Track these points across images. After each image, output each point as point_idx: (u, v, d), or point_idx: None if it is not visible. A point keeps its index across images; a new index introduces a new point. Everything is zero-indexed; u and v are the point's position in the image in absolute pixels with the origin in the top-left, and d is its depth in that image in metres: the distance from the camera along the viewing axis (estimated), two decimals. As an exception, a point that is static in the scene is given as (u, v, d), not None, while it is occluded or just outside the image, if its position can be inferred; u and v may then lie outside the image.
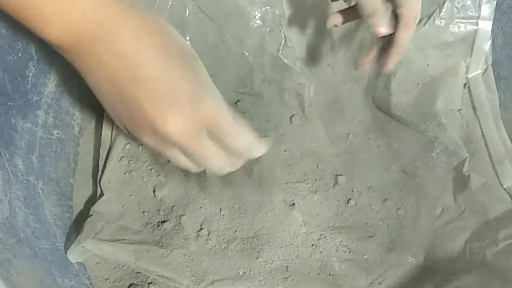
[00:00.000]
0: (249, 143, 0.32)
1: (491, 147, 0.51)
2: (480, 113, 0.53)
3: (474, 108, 0.54)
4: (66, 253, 0.45)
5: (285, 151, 0.54)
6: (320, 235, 0.48)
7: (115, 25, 0.27)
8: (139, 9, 0.28)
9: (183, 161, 0.33)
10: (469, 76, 0.54)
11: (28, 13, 0.26)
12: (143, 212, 0.49)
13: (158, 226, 0.48)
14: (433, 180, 0.52)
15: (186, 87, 0.28)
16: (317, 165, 0.53)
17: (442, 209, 0.51)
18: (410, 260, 0.49)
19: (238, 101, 0.57)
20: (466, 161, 0.50)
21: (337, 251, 0.48)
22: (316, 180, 0.52)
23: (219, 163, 0.33)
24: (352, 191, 0.52)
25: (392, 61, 0.41)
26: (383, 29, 0.38)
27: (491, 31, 0.52)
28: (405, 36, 0.39)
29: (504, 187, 0.50)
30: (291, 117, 0.56)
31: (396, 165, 0.53)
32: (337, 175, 0.52)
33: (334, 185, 0.52)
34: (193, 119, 0.28)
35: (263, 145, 0.34)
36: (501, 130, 0.52)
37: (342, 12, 0.44)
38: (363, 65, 0.45)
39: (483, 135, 0.52)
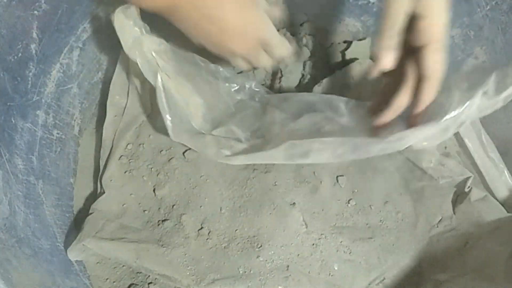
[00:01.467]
0: (287, 53, 0.47)
1: (482, 169, 0.52)
2: (467, 140, 0.53)
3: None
4: (66, 252, 0.45)
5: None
6: (321, 234, 0.48)
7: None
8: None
9: (242, 64, 0.46)
10: None
11: None
12: (144, 211, 0.49)
13: (158, 224, 0.48)
14: (434, 189, 0.53)
15: (252, 25, 0.42)
16: (318, 164, 0.53)
17: (441, 219, 0.52)
18: (408, 263, 0.49)
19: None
20: (469, 179, 0.52)
21: (337, 251, 0.48)
22: (316, 180, 0.52)
23: (267, 63, 0.47)
24: (353, 192, 0.52)
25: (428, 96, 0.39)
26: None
27: (492, 31, 0.52)
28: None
29: (499, 200, 0.52)
30: None
31: (398, 169, 0.54)
32: (338, 176, 0.52)
33: (334, 185, 0.52)
34: (256, 43, 0.44)
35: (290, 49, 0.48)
36: (488, 150, 0.53)
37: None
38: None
39: (474, 162, 0.53)
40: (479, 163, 0.52)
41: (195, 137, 0.47)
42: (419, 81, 0.38)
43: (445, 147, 0.54)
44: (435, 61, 0.37)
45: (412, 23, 0.36)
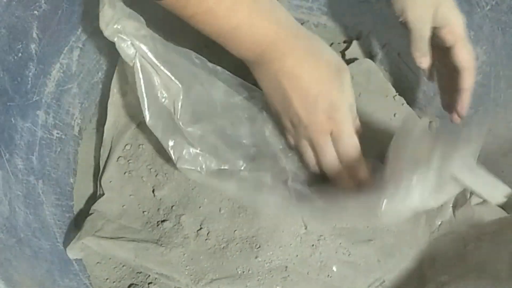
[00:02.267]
0: (354, 157, 0.43)
1: (473, 188, 0.52)
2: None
3: None
4: (66, 251, 0.45)
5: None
6: (320, 236, 0.48)
7: (286, 49, 0.39)
8: (304, 35, 0.41)
9: (308, 154, 0.45)
10: None
11: (227, 36, 0.39)
12: (143, 212, 0.49)
13: (157, 225, 0.48)
14: None
15: (328, 97, 0.40)
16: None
17: (441, 222, 0.52)
18: (408, 266, 0.49)
19: None
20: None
21: (336, 252, 0.48)
22: (316, 180, 0.52)
23: (332, 163, 0.44)
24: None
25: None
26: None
27: (492, 31, 0.52)
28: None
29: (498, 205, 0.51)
30: None
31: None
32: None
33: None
34: (325, 121, 0.41)
35: (364, 171, 0.45)
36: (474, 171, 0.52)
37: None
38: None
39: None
40: (470, 186, 0.52)
41: (167, 133, 0.45)
42: (457, 75, 0.46)
43: None
44: (466, 54, 0.45)
45: (435, 31, 0.45)
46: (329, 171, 0.45)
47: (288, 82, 0.40)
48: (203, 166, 0.46)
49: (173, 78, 0.45)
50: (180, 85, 0.45)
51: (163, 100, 0.45)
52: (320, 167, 0.45)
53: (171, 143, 0.45)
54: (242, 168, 0.48)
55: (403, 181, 0.39)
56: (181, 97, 0.45)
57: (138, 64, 0.43)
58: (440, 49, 0.46)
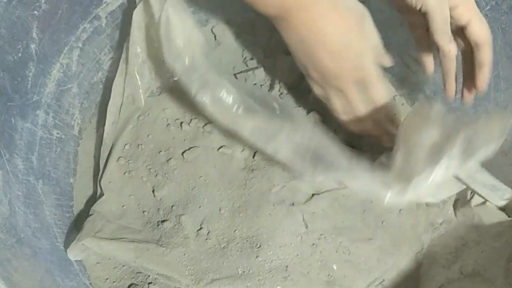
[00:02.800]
0: (383, 99, 0.45)
1: (475, 190, 0.52)
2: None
3: None
4: (66, 251, 0.45)
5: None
6: (320, 235, 0.48)
7: (309, 5, 0.40)
8: None
9: (336, 102, 0.45)
10: None
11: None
12: (143, 212, 0.49)
13: (158, 225, 0.48)
14: None
15: (353, 48, 0.42)
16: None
17: (442, 222, 0.52)
18: (407, 265, 0.49)
19: None
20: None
21: (336, 251, 0.48)
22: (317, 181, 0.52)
23: (360, 111, 0.45)
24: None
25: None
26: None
27: (492, 31, 0.52)
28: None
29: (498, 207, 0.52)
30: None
31: None
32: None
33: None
34: (352, 70, 0.42)
35: (392, 116, 0.47)
36: (475, 175, 0.52)
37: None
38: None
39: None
40: (471, 187, 0.52)
41: (186, 71, 0.47)
42: (475, 51, 0.46)
43: None
44: (484, 28, 0.45)
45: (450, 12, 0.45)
46: (356, 119, 0.47)
47: (312, 34, 0.41)
48: (222, 102, 0.46)
49: (197, 29, 0.48)
50: (203, 38, 0.49)
51: (184, 47, 0.47)
52: (348, 115, 0.47)
53: (192, 77, 0.47)
54: (259, 112, 0.47)
55: (418, 174, 0.39)
56: (201, 46, 0.49)
57: (165, 15, 0.46)
58: (454, 32, 0.46)
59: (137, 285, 0.46)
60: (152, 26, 0.50)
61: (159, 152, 0.52)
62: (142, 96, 0.54)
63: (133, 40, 0.52)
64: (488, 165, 0.53)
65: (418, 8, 0.44)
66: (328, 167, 0.44)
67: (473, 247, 0.49)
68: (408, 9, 0.44)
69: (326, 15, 0.40)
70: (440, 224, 0.52)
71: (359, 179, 0.43)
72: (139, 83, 0.53)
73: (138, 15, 0.50)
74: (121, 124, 0.53)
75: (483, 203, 0.52)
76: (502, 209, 0.52)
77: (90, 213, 0.48)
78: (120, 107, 0.53)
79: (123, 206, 0.49)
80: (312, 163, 0.44)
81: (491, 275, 0.46)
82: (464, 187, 0.52)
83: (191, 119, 0.54)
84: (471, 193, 0.52)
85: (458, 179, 0.52)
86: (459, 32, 0.46)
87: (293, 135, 0.44)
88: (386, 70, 0.60)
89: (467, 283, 0.46)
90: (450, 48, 0.45)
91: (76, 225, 0.50)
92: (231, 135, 0.52)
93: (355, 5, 0.42)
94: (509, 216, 0.51)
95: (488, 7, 0.51)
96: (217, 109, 0.46)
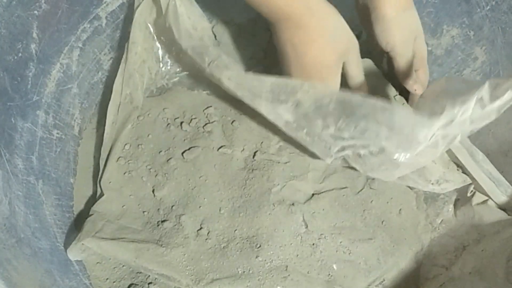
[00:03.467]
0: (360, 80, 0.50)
1: (479, 181, 0.52)
2: (459, 156, 0.53)
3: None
4: (66, 251, 0.45)
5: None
6: (320, 234, 0.48)
7: (299, 23, 0.43)
8: (323, 13, 0.44)
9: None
10: None
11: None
12: (143, 212, 0.49)
13: (158, 225, 0.48)
14: (436, 194, 0.53)
15: (321, 79, 0.45)
16: (318, 164, 0.53)
17: (442, 221, 0.52)
18: (407, 265, 0.49)
19: None
20: (471, 186, 0.52)
21: (336, 251, 0.48)
22: (316, 180, 0.52)
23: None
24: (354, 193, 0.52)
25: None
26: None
27: (492, 31, 0.52)
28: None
29: (499, 205, 0.52)
30: None
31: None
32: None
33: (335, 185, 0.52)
34: (340, 53, 0.45)
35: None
36: (481, 162, 0.52)
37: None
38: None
39: (472, 176, 0.53)
40: (475, 177, 0.52)
41: (198, 45, 0.49)
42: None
43: (446, 158, 0.54)
44: (425, 77, 0.51)
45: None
46: None
47: (292, 54, 0.44)
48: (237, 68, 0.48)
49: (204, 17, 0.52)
50: (209, 25, 0.53)
51: (193, 30, 0.51)
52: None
53: (204, 50, 0.48)
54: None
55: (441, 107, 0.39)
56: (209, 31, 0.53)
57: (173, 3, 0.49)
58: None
59: (137, 285, 0.46)
60: (159, 17, 0.51)
61: (159, 152, 0.52)
62: (141, 96, 0.54)
63: (134, 40, 0.52)
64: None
65: (388, 51, 0.50)
66: (354, 113, 0.42)
67: (473, 246, 0.50)
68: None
69: (310, 42, 0.43)
70: (440, 223, 0.52)
71: (400, 114, 0.40)
72: (139, 83, 0.53)
73: (142, 11, 0.51)
74: (119, 124, 0.53)
75: (484, 201, 0.52)
76: (503, 208, 0.52)
77: (90, 213, 0.48)
78: (118, 106, 0.53)
79: (123, 206, 0.49)
80: (336, 113, 0.43)
81: (492, 273, 0.46)
82: (469, 181, 0.52)
83: (191, 119, 0.54)
84: (472, 191, 0.52)
85: (464, 168, 0.52)
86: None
87: (314, 88, 0.44)
88: (386, 69, 0.60)
89: (468, 282, 0.46)
90: (416, 88, 0.49)
91: (76, 225, 0.50)
92: (230, 135, 0.52)
93: (342, 42, 0.45)
94: (509, 215, 0.51)
95: (488, 7, 0.52)
96: (233, 74, 0.47)
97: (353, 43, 0.47)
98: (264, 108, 0.46)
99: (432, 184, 0.51)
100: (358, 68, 0.49)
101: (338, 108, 0.42)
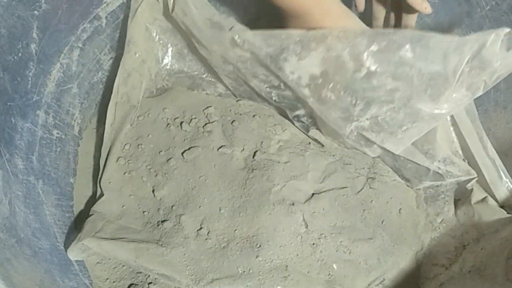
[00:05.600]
0: None
1: (483, 169, 0.52)
2: (468, 140, 0.53)
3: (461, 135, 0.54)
4: (66, 251, 0.45)
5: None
6: (321, 234, 0.48)
7: (319, 14, 0.43)
8: (336, 14, 0.44)
9: None
10: None
11: None
12: (143, 212, 0.49)
13: (158, 225, 0.48)
14: (436, 192, 0.53)
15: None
16: (318, 164, 0.53)
17: (442, 220, 0.52)
18: (407, 264, 0.49)
19: None
20: (473, 180, 0.52)
21: (337, 251, 0.48)
22: (316, 180, 0.52)
23: None
24: (354, 192, 0.52)
25: None
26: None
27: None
28: None
29: (498, 201, 0.52)
30: None
31: (400, 173, 0.54)
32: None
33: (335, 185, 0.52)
34: None
35: None
36: (488, 149, 0.53)
37: None
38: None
39: (476, 161, 0.53)
40: (479, 163, 0.52)
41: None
42: None
43: (454, 146, 0.54)
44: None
45: None
46: None
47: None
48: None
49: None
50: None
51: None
52: None
53: (222, 19, 0.48)
54: None
55: None
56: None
57: None
58: None
59: (137, 285, 0.46)
60: (161, 16, 0.51)
61: (159, 152, 0.52)
62: (139, 95, 0.54)
63: (131, 40, 0.52)
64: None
65: None
66: (389, 49, 0.42)
67: (473, 246, 0.50)
68: None
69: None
70: (440, 223, 0.52)
71: (435, 38, 0.41)
72: (138, 82, 0.53)
73: (142, 12, 0.51)
74: (117, 123, 0.53)
75: (483, 199, 0.51)
76: (502, 205, 0.52)
77: (90, 213, 0.48)
78: (117, 106, 0.53)
79: (123, 206, 0.49)
80: (368, 50, 0.42)
81: (491, 272, 0.46)
82: (473, 175, 0.52)
83: (191, 119, 0.54)
84: (471, 189, 0.52)
85: (470, 153, 0.52)
86: None
87: (344, 31, 0.43)
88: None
89: (468, 281, 0.46)
90: (425, 6, 0.46)
91: (76, 225, 0.50)
92: (230, 135, 0.52)
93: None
94: (508, 213, 0.51)
95: (488, 7, 0.52)
96: (257, 32, 0.46)
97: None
98: (288, 65, 0.45)
99: (438, 161, 0.51)
100: None
101: (370, 44, 0.42)
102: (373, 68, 0.42)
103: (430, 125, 0.47)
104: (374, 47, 0.41)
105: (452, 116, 0.52)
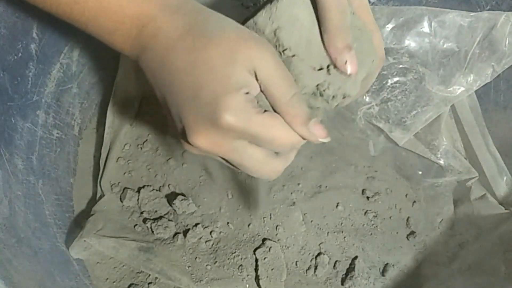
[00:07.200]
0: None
1: (483, 165, 0.52)
2: (471, 136, 0.53)
3: (464, 132, 0.54)
4: (67, 249, 0.45)
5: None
6: (321, 234, 0.48)
7: (158, 29, 0.29)
8: (190, 10, 0.30)
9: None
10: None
11: (96, 29, 0.33)
12: (143, 212, 0.49)
13: (158, 225, 0.48)
14: (436, 192, 0.53)
15: (206, 93, 0.27)
16: (318, 164, 0.53)
17: (442, 220, 0.52)
18: (408, 263, 0.49)
19: None
20: (473, 179, 0.52)
21: (337, 250, 0.48)
22: (316, 179, 0.52)
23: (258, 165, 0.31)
24: (354, 191, 0.52)
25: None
26: None
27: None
28: None
29: (498, 198, 0.52)
30: None
31: (401, 173, 0.54)
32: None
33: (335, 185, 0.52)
34: (212, 139, 0.30)
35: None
36: (490, 146, 0.53)
37: None
38: None
39: (477, 157, 0.53)
40: (480, 159, 0.52)
41: None
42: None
43: (457, 144, 0.54)
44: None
45: None
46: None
47: (159, 73, 0.29)
48: None
49: None
50: None
51: None
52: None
53: None
54: None
55: None
56: None
57: None
58: None
59: (137, 285, 0.46)
60: None
61: (159, 152, 0.52)
62: (140, 96, 0.54)
63: None
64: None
65: None
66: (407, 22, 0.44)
67: (473, 243, 0.50)
68: None
69: (178, 47, 0.28)
70: (440, 222, 0.52)
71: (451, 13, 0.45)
72: (139, 82, 0.53)
73: None
74: (117, 123, 0.53)
75: (482, 196, 0.51)
76: (501, 202, 0.52)
77: (91, 212, 0.49)
78: (117, 106, 0.53)
79: (123, 206, 0.49)
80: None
81: (491, 267, 0.46)
82: (474, 174, 0.52)
83: (191, 119, 0.54)
84: (471, 187, 0.52)
85: (471, 149, 0.52)
86: None
87: None
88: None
89: (469, 277, 0.46)
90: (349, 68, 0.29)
91: (76, 225, 0.50)
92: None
93: (230, 35, 0.28)
94: (506, 210, 0.51)
95: (488, 7, 0.51)
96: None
97: (248, 43, 0.28)
98: None
99: (441, 153, 0.51)
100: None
101: (388, 21, 0.43)
102: (390, 44, 0.43)
103: (439, 109, 0.48)
104: (391, 24, 0.43)
105: (455, 113, 0.52)
